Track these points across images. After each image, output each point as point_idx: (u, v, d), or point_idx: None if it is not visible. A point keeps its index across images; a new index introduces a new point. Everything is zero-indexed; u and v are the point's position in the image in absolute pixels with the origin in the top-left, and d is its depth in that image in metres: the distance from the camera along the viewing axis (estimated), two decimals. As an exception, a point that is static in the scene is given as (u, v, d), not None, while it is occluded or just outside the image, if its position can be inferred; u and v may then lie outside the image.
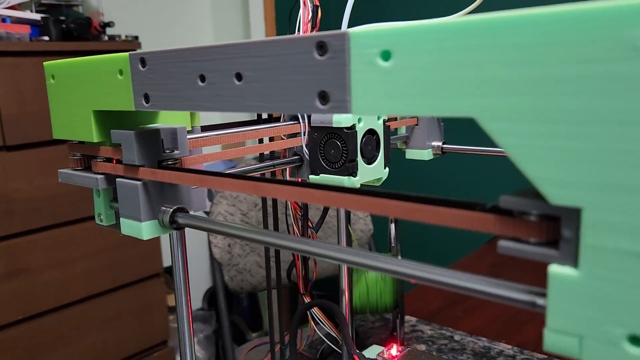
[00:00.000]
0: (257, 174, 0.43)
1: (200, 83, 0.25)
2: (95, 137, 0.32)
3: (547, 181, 0.16)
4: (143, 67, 0.27)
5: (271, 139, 0.46)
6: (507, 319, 0.93)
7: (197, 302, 2.12)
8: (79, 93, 0.32)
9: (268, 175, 0.49)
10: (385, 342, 0.60)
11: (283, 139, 0.43)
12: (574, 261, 0.16)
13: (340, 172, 0.41)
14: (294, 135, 0.43)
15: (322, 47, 0.20)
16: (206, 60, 0.24)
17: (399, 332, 0.69)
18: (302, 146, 0.42)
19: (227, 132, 0.38)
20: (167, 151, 0.32)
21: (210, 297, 2.05)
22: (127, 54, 0.28)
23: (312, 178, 0.43)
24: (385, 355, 0.55)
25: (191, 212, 0.33)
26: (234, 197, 1.41)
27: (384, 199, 0.20)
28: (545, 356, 0.77)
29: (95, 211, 0.35)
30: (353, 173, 0.40)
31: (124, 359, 1.44)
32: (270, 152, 0.48)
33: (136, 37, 1.42)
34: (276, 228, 0.51)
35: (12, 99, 1.16)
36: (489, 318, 0.93)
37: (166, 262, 1.70)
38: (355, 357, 0.54)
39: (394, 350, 0.56)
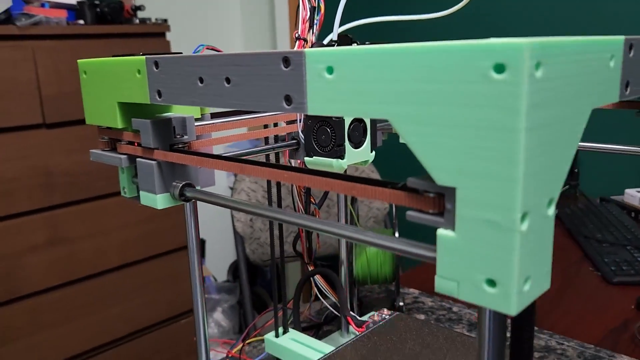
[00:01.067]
0: (258, 156, 0.49)
1: (199, 84, 0.31)
2: (119, 124, 0.39)
3: (434, 168, 0.22)
4: (156, 69, 0.34)
5: (275, 125, 0.52)
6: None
7: (223, 274, 2.22)
8: (106, 87, 0.39)
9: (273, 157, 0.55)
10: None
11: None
12: (453, 226, 0.22)
13: (330, 155, 0.47)
14: (293, 122, 0.49)
15: (286, 61, 0.26)
16: (204, 66, 0.31)
17: (397, 300, 0.75)
18: (298, 132, 0.48)
19: (231, 119, 0.44)
20: (178, 136, 0.38)
21: (235, 269, 2.15)
22: (144, 57, 0.35)
23: (307, 160, 0.49)
24: (376, 318, 0.61)
25: (198, 187, 0.40)
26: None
27: (331, 178, 0.26)
28: (536, 328, 0.82)
29: (121, 185, 0.42)
30: (341, 156, 0.46)
31: (154, 324, 1.54)
32: (275, 136, 0.54)
33: (165, 20, 1.49)
34: (279, 202, 0.58)
35: (51, 80, 1.24)
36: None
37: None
38: (349, 317, 0.61)
39: (383, 314, 0.62)
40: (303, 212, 0.63)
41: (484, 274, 0.21)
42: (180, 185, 0.38)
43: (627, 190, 1.39)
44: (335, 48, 0.24)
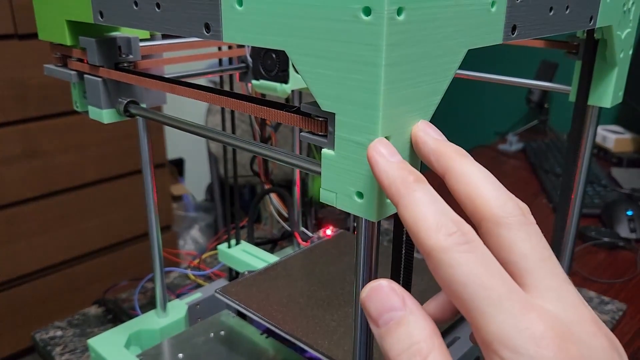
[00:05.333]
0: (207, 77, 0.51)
1: (134, 7, 0.33)
2: (68, 41, 0.41)
3: (319, 95, 0.25)
4: (98, -10, 0.36)
5: (230, 47, 0.55)
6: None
7: (201, 193, 2.27)
8: (55, 5, 0.41)
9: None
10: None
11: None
12: (333, 146, 0.25)
13: (275, 79, 0.49)
14: (243, 45, 0.51)
15: (205, -9, 0.29)
16: (138, -10, 0.33)
17: (348, 220, 0.80)
18: (246, 55, 0.51)
19: (178, 41, 0.46)
20: (124, 55, 0.41)
21: (213, 189, 2.20)
22: (87, -22, 0.37)
23: (254, 83, 0.52)
24: (320, 234, 0.66)
25: (143, 105, 0.43)
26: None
27: (243, 101, 0.29)
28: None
29: (73, 99, 0.45)
30: (285, 81, 0.49)
31: (131, 238, 1.59)
32: (230, 58, 0.57)
33: None
34: (233, 128, 0.61)
35: (22, -12, 1.22)
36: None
37: (170, 154, 1.82)
38: (296, 233, 0.66)
39: (329, 231, 0.67)
40: (259, 133, 0.67)
41: (355, 187, 0.25)
42: (125, 102, 0.41)
43: (591, 128, 1.43)
44: (245, -18, 0.27)
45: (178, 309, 0.59)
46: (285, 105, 0.28)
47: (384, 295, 0.22)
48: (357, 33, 0.22)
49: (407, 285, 0.31)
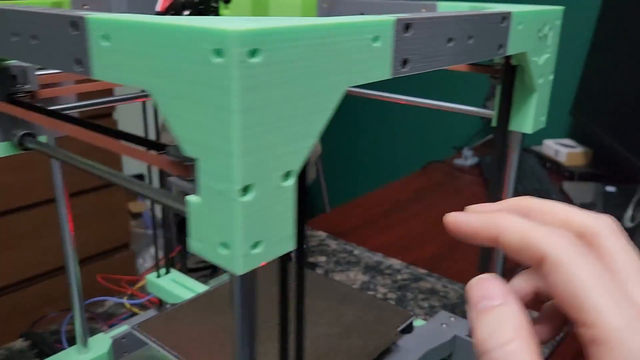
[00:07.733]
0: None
1: (14, 38, 0.31)
2: (-42, 70, 0.39)
3: (182, 139, 0.23)
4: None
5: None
6: (410, 239, 1.03)
7: (161, 209, 2.23)
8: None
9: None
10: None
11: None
12: (199, 194, 0.24)
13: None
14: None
15: (74, 25, 0.27)
16: (16, 20, 0.31)
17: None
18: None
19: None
20: (19, 85, 0.39)
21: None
22: (-30, 5, 0.34)
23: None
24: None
25: (42, 137, 0.41)
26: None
27: (105, 135, 0.27)
28: (426, 270, 0.88)
29: (-30, 130, 0.42)
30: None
31: (87, 257, 1.54)
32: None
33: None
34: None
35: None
36: (395, 238, 1.03)
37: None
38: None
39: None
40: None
41: (219, 237, 0.23)
42: (20, 134, 0.39)
43: (545, 141, 1.44)
44: (110, 16, 0.25)
45: (101, 343, 0.56)
46: (154, 144, 0.26)
47: (487, 284, 0.25)
48: (210, 76, 0.21)
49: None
